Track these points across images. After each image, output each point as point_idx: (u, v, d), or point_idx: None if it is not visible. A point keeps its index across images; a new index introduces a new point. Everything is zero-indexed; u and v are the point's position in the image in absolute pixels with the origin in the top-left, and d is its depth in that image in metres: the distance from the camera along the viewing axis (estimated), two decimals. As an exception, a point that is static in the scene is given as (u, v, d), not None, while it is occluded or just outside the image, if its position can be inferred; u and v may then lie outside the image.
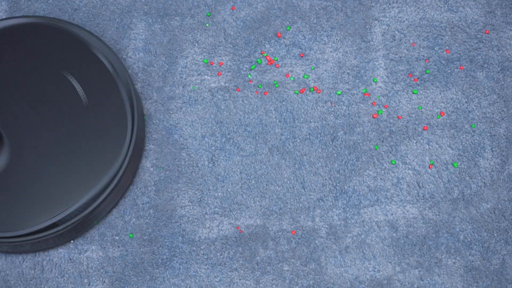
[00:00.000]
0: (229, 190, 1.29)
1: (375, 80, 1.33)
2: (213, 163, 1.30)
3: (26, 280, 1.27)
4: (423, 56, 1.34)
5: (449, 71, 1.33)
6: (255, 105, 1.33)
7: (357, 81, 1.33)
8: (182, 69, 1.34)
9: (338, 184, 1.29)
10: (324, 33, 1.35)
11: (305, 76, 1.33)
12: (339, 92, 1.33)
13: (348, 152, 1.30)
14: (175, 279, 1.26)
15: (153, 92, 1.33)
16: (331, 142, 1.31)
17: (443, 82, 1.33)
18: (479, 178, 1.29)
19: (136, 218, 1.28)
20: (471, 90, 1.32)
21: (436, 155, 1.30)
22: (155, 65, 1.34)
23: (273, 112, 1.32)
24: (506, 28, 1.34)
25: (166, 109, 1.32)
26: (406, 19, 1.35)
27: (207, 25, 1.36)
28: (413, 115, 1.31)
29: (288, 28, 1.35)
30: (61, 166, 1.23)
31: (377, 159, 1.30)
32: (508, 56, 1.33)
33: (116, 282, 1.26)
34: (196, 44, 1.35)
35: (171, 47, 1.35)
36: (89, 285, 1.26)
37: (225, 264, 1.26)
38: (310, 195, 1.29)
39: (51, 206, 1.22)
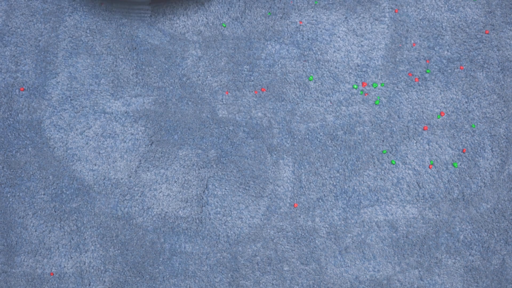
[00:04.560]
0: (228, 189, 1.29)
1: (375, 81, 1.33)
2: (212, 163, 1.30)
3: (27, 280, 1.27)
4: (424, 56, 1.34)
5: (449, 71, 1.33)
6: (254, 105, 1.32)
7: (358, 80, 1.33)
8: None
9: (338, 184, 1.29)
10: (325, 33, 1.35)
11: (310, 78, 1.33)
12: (341, 92, 1.32)
13: (348, 152, 1.30)
14: (175, 279, 1.26)
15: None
16: (330, 142, 1.31)
17: (443, 82, 1.33)
18: (479, 178, 1.29)
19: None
20: (471, 90, 1.32)
21: (436, 155, 1.30)
22: (154, 66, 1.34)
23: (272, 111, 1.32)
24: (506, 28, 1.34)
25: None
26: (406, 19, 1.35)
27: (207, 25, 1.36)
28: (413, 115, 1.31)
29: (288, 28, 1.35)
30: None
31: (377, 159, 1.30)
32: (508, 56, 1.33)
33: (116, 282, 1.26)
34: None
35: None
36: (89, 285, 1.26)
37: (225, 264, 1.26)
38: (310, 195, 1.29)
39: None
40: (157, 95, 1.33)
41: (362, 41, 1.35)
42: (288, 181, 1.29)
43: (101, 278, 1.27)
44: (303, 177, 1.29)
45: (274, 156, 1.30)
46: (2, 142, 1.32)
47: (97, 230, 1.28)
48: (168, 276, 1.26)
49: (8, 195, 1.30)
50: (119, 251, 1.28)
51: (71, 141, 1.32)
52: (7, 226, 1.29)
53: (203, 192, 1.29)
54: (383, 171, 1.29)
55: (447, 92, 1.32)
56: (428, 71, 1.33)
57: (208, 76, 1.34)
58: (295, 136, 1.31)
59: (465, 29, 1.35)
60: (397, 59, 1.34)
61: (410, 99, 1.32)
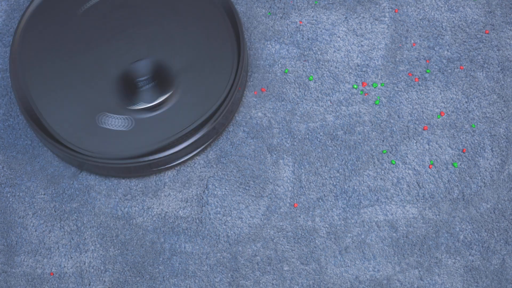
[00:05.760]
0: (228, 189, 1.29)
1: (375, 81, 1.33)
2: (212, 163, 1.30)
3: (27, 280, 1.27)
4: (424, 56, 1.34)
5: (449, 71, 1.33)
6: (254, 105, 1.33)
7: (358, 80, 1.33)
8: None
9: (338, 184, 1.29)
10: (325, 33, 1.35)
11: (310, 78, 1.33)
12: (341, 92, 1.33)
13: (348, 152, 1.30)
14: (175, 279, 1.26)
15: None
16: (330, 142, 1.31)
17: (443, 82, 1.33)
18: (479, 178, 1.29)
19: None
20: (471, 90, 1.32)
21: (436, 155, 1.30)
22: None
23: (272, 111, 1.32)
24: (506, 28, 1.34)
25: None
26: (406, 19, 1.35)
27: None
28: (413, 115, 1.31)
29: (288, 28, 1.35)
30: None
31: (377, 159, 1.30)
32: (508, 56, 1.33)
33: (116, 282, 1.27)
34: (196, 44, 1.35)
35: (171, 47, 1.35)
36: (89, 285, 1.26)
37: (225, 264, 1.26)
38: (310, 195, 1.29)
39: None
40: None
41: (362, 41, 1.35)
42: (288, 181, 1.29)
43: (101, 278, 1.27)
44: (303, 177, 1.29)
45: (274, 156, 1.30)
46: (2, 143, 1.32)
47: (97, 230, 1.28)
48: (168, 276, 1.26)
49: (8, 195, 1.30)
50: (119, 251, 1.28)
51: (71, 141, 1.32)
52: (7, 226, 1.29)
53: (203, 192, 1.29)
54: (383, 171, 1.29)
55: (447, 92, 1.32)
56: (428, 71, 1.33)
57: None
58: (295, 136, 1.31)
59: (465, 29, 1.35)
60: (397, 59, 1.34)
61: (410, 99, 1.32)
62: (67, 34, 1.30)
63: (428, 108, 1.32)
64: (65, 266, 1.27)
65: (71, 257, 1.28)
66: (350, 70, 1.33)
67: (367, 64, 1.34)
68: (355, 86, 1.32)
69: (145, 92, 1.27)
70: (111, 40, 1.29)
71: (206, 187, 1.29)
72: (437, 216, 1.28)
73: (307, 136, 1.31)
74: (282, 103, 1.32)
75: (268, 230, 1.28)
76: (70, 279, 1.27)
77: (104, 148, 1.25)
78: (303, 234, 1.27)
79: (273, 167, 1.30)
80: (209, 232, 1.28)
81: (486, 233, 1.27)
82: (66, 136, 1.25)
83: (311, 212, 1.28)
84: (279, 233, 1.27)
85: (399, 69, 1.33)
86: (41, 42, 1.29)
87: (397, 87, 1.33)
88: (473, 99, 1.32)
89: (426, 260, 1.26)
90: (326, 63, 1.34)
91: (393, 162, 1.29)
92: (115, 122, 1.24)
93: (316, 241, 1.27)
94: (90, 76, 1.27)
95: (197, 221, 1.28)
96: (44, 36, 1.30)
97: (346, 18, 1.36)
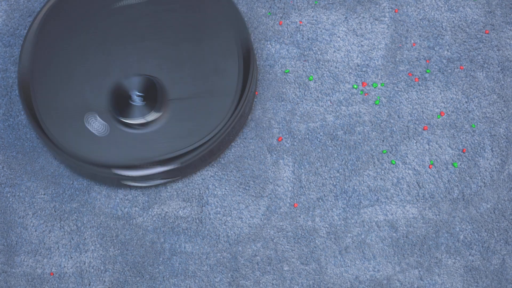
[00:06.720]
0: (228, 189, 1.29)
1: (375, 81, 1.33)
2: (212, 163, 1.30)
3: (27, 280, 1.27)
4: (424, 56, 1.34)
5: (449, 71, 1.33)
6: (254, 105, 1.33)
7: (358, 80, 1.33)
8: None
9: (338, 184, 1.29)
10: (325, 33, 1.35)
11: (310, 78, 1.33)
12: (341, 92, 1.33)
13: (348, 152, 1.30)
14: (175, 279, 1.26)
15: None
16: (330, 142, 1.31)
17: (443, 82, 1.33)
18: (479, 178, 1.29)
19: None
20: (471, 90, 1.32)
21: (436, 155, 1.30)
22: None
23: (272, 111, 1.32)
24: (506, 28, 1.34)
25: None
26: (406, 19, 1.35)
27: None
28: (413, 115, 1.31)
29: (288, 28, 1.35)
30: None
31: (377, 159, 1.30)
32: (508, 56, 1.33)
33: (116, 282, 1.27)
34: (196, 44, 1.35)
35: (171, 47, 1.35)
36: (89, 285, 1.26)
37: (225, 264, 1.26)
38: (310, 195, 1.29)
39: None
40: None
41: (362, 41, 1.35)
42: (288, 181, 1.29)
43: (101, 278, 1.27)
44: (303, 177, 1.29)
45: (274, 156, 1.30)
46: (2, 143, 1.32)
47: (97, 230, 1.28)
48: (168, 276, 1.26)
49: (8, 195, 1.30)
50: (119, 251, 1.28)
51: (71, 141, 1.32)
52: (7, 226, 1.29)
53: (203, 192, 1.29)
54: (383, 171, 1.29)
55: (447, 92, 1.32)
56: (428, 71, 1.33)
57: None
58: (295, 136, 1.31)
59: (465, 29, 1.35)
60: (397, 59, 1.34)
61: (410, 99, 1.32)
62: (81, 35, 1.29)
63: (428, 108, 1.32)
64: (65, 266, 1.27)
65: (71, 257, 1.28)
66: (350, 70, 1.33)
67: (367, 64, 1.34)
68: (355, 86, 1.33)
69: (136, 108, 1.26)
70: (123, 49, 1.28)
71: (206, 187, 1.29)
72: (437, 216, 1.28)
73: (307, 136, 1.31)
74: (282, 103, 1.32)
75: (268, 230, 1.28)
76: (70, 279, 1.27)
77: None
78: (303, 234, 1.27)
79: (273, 167, 1.30)
80: (209, 232, 1.28)
81: (486, 233, 1.27)
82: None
83: (311, 212, 1.28)
84: (279, 233, 1.27)
85: (399, 69, 1.33)
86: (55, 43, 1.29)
87: (397, 87, 1.33)
88: (473, 99, 1.32)
89: (426, 260, 1.26)
90: (326, 63, 1.34)
91: (393, 162, 1.29)
92: (97, 126, 1.24)
93: (316, 241, 1.27)
94: (92, 79, 1.27)
95: (197, 221, 1.28)
96: (59, 36, 1.29)
97: (346, 18, 1.36)
